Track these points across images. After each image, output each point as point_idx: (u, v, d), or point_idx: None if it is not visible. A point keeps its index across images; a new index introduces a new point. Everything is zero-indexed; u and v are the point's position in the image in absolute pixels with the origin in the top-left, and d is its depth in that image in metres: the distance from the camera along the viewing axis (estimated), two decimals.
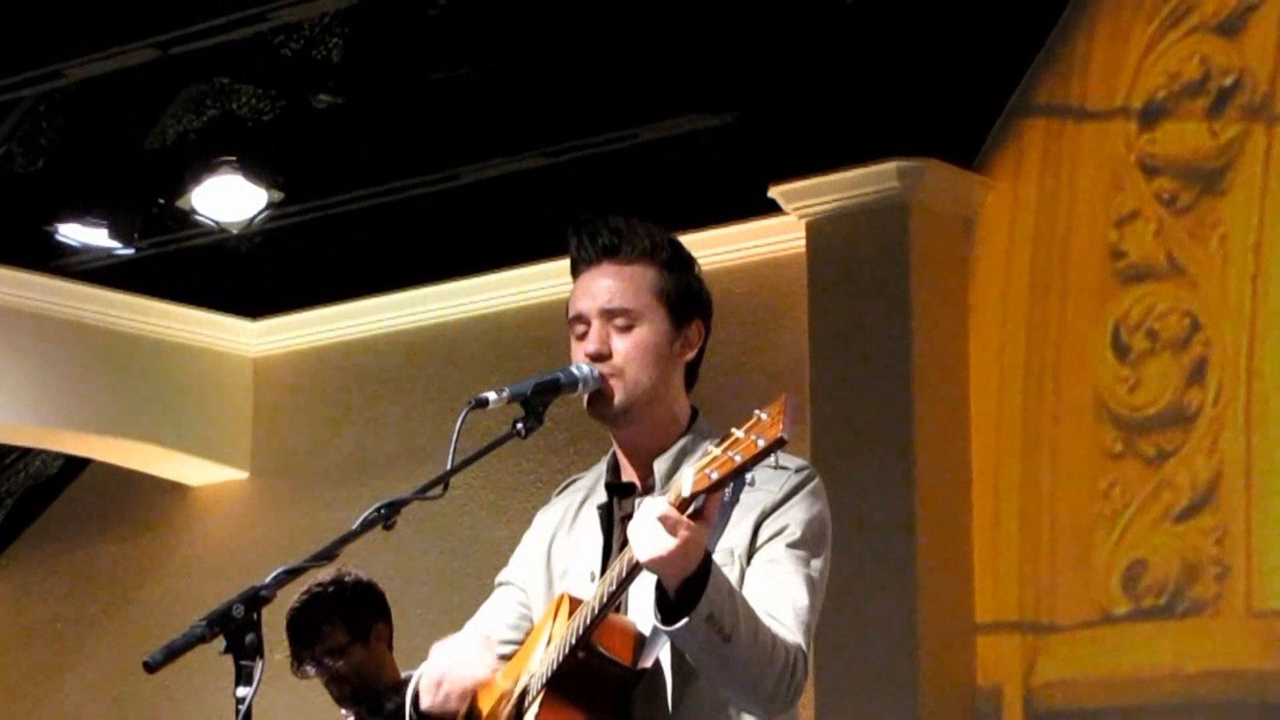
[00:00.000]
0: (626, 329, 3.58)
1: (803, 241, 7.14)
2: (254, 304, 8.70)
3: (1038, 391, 6.97)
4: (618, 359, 3.58)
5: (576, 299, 3.64)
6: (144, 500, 9.09)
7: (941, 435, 7.04)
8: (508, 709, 3.54)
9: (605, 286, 3.61)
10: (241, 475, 8.84)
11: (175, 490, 9.02)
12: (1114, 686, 6.73)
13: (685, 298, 3.63)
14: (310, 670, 5.62)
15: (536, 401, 3.52)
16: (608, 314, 3.59)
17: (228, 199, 7.53)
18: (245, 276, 8.50)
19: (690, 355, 3.65)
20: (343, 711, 5.73)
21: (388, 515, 3.43)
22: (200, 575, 8.77)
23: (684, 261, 3.68)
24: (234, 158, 7.40)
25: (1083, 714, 6.80)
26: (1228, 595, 6.53)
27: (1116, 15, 6.97)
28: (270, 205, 7.62)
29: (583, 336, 3.61)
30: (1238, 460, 6.56)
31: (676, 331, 3.61)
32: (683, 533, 3.16)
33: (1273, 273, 6.58)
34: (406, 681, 5.43)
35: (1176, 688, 6.63)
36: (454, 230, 7.98)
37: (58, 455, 9.13)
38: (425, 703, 3.62)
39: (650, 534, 3.19)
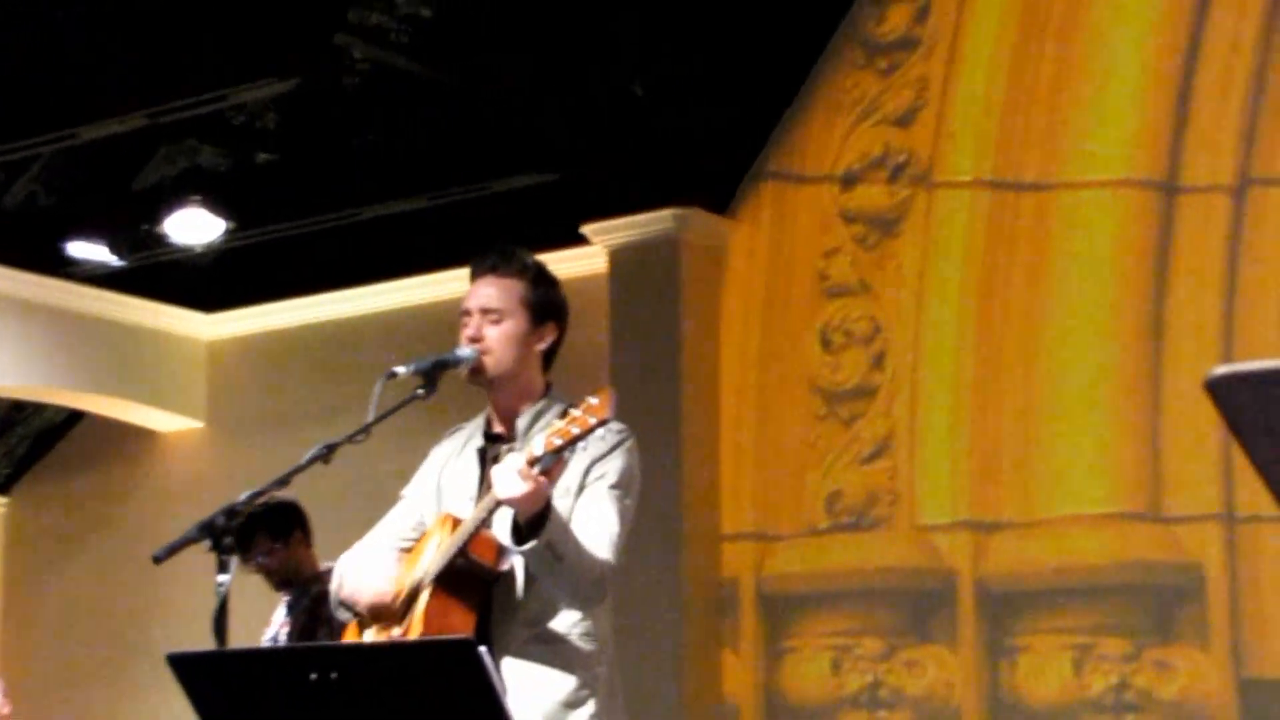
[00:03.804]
0: (496, 322, 3.62)
1: (605, 265, 7.18)
2: (209, 301, 8.68)
3: (768, 373, 6.98)
4: (488, 343, 3.61)
5: (467, 298, 3.68)
6: (124, 443, 9.02)
7: (701, 402, 7.04)
8: (404, 597, 3.53)
9: (486, 292, 3.65)
10: (199, 424, 8.82)
11: (148, 435, 8.97)
12: (818, 578, 6.74)
13: (543, 305, 3.67)
14: (250, 566, 5.65)
15: (433, 374, 3.55)
16: (484, 311, 3.63)
17: (193, 226, 7.49)
18: (203, 281, 8.45)
19: (543, 346, 3.67)
20: (281, 595, 5.80)
21: (327, 453, 3.46)
22: (164, 500, 8.67)
23: (547, 281, 3.71)
24: (199, 196, 7.37)
25: (797, 597, 6.77)
26: (897, 516, 6.61)
27: (827, 109, 6.94)
28: (225, 231, 7.57)
29: (467, 325, 3.65)
30: (905, 421, 6.63)
31: (534, 328, 3.65)
32: (532, 483, 3.22)
33: (930, 291, 6.64)
34: (326, 572, 5.64)
35: (861, 579, 6.65)
36: (357, 251, 7.93)
37: (61, 408, 9.09)
38: (345, 593, 3.63)
39: (510, 481, 3.23)
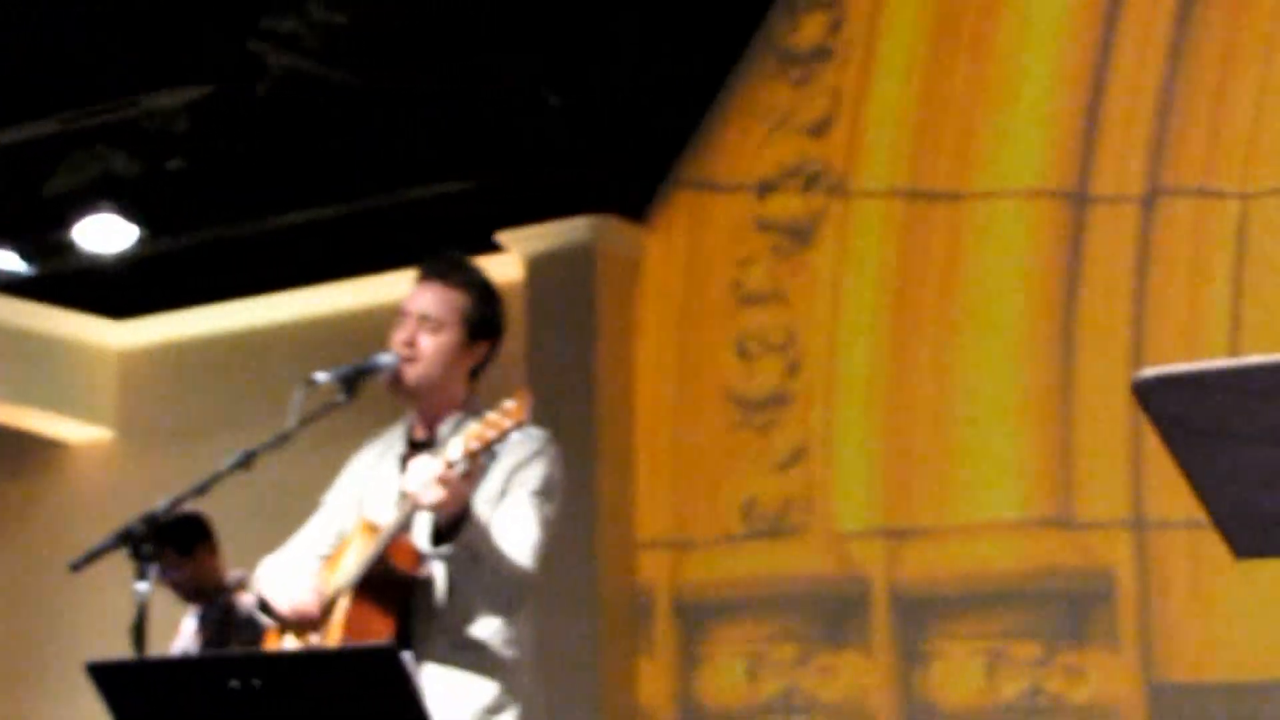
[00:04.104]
0: (432, 331, 3.59)
1: (520, 272, 7.14)
2: (120, 308, 8.56)
3: (683, 381, 6.97)
4: (419, 350, 3.59)
5: (408, 299, 3.65)
6: (31, 453, 8.83)
7: (616, 412, 7.02)
8: (324, 604, 3.51)
9: (427, 298, 3.62)
10: (109, 434, 8.69)
11: (56, 445, 8.81)
12: (733, 585, 6.73)
13: (481, 323, 3.65)
14: (158, 581, 5.52)
15: (353, 381, 3.56)
16: (422, 317, 3.61)
17: (104, 233, 7.40)
18: (114, 289, 8.32)
19: (473, 363, 3.66)
20: (190, 606, 5.75)
21: (247, 460, 3.49)
22: (73, 510, 8.53)
23: (491, 299, 3.69)
24: (110, 203, 7.29)
25: (712, 605, 6.77)
26: (812, 523, 6.60)
27: (742, 118, 6.93)
28: (136, 238, 7.47)
29: (402, 326, 3.62)
30: (820, 429, 6.63)
31: (468, 344, 3.63)
32: (450, 488, 3.24)
33: (844, 300, 6.63)
34: (236, 581, 5.64)
35: (776, 586, 6.65)
36: (270, 259, 7.83)
37: None
38: (265, 598, 3.63)
39: (427, 485, 3.24)
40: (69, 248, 7.60)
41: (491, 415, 3.25)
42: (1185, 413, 1.96)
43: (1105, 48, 6.32)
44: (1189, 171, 6.12)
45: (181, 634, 5.75)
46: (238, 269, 8.00)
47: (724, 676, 6.75)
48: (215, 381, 8.36)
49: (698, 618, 6.83)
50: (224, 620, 5.61)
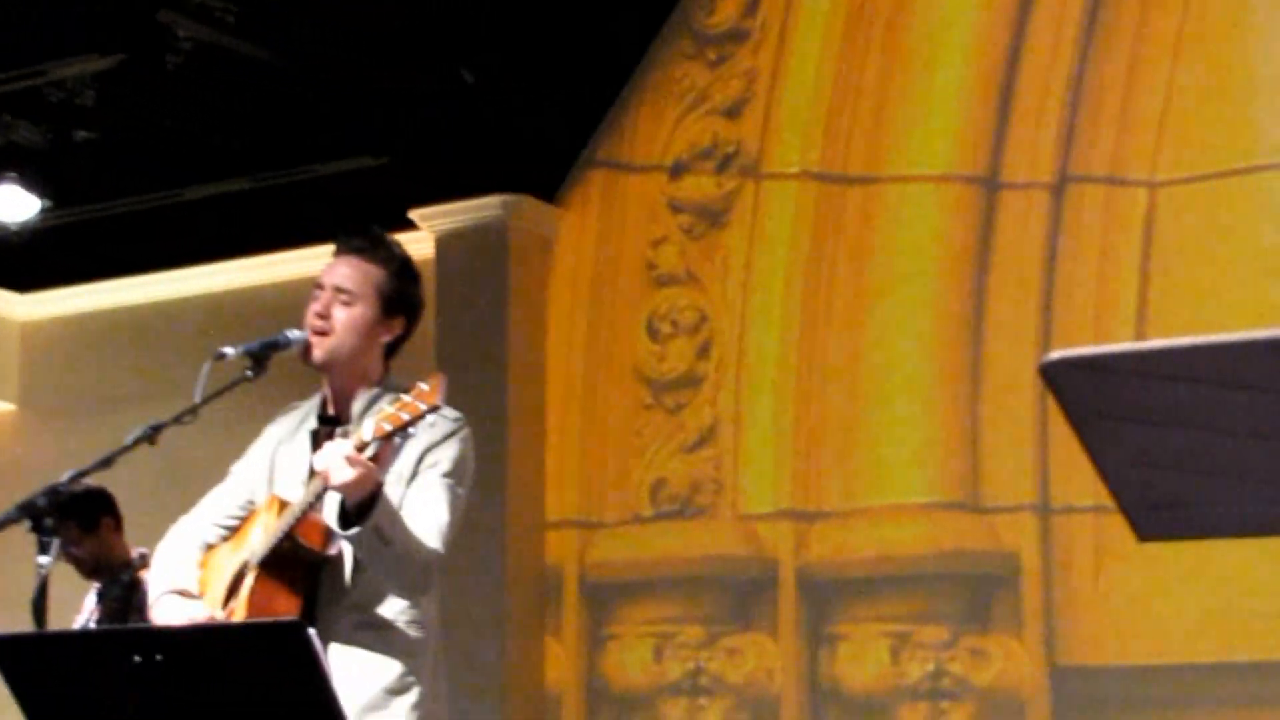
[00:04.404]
0: (346, 304, 3.56)
1: (432, 251, 7.05)
2: (24, 280, 8.50)
3: (595, 361, 6.98)
4: (332, 323, 3.56)
5: (324, 272, 3.62)
6: None
7: (527, 392, 7.00)
8: (228, 580, 3.51)
9: (343, 271, 3.59)
10: (11, 407, 8.60)
11: None
12: (641, 566, 6.75)
13: (397, 298, 3.62)
14: (59, 556, 5.39)
15: (262, 356, 3.52)
16: (338, 289, 3.58)
17: (8, 204, 7.31)
18: (18, 260, 8.20)
19: (389, 339, 3.62)
20: (91, 582, 5.71)
21: (153, 434, 3.44)
22: None
23: (408, 274, 3.67)
24: (14, 174, 7.21)
25: (620, 585, 6.79)
26: (720, 503, 6.63)
27: (655, 98, 6.95)
28: (41, 210, 7.40)
29: (317, 298, 3.59)
30: (729, 411, 6.66)
31: (382, 319, 3.59)
32: (361, 469, 3.20)
33: (756, 282, 6.68)
34: (139, 557, 5.57)
35: (684, 567, 6.67)
36: (178, 232, 7.77)
37: None
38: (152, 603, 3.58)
39: (338, 466, 3.20)
40: None
41: (406, 397, 3.21)
42: (1091, 395, 1.96)
43: (1018, 36, 6.37)
44: (1098, 159, 6.18)
45: (83, 609, 5.70)
46: (145, 242, 7.91)
47: (630, 657, 6.76)
48: (120, 355, 8.26)
49: (605, 598, 6.84)
50: (126, 597, 5.57)
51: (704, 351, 6.78)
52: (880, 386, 6.41)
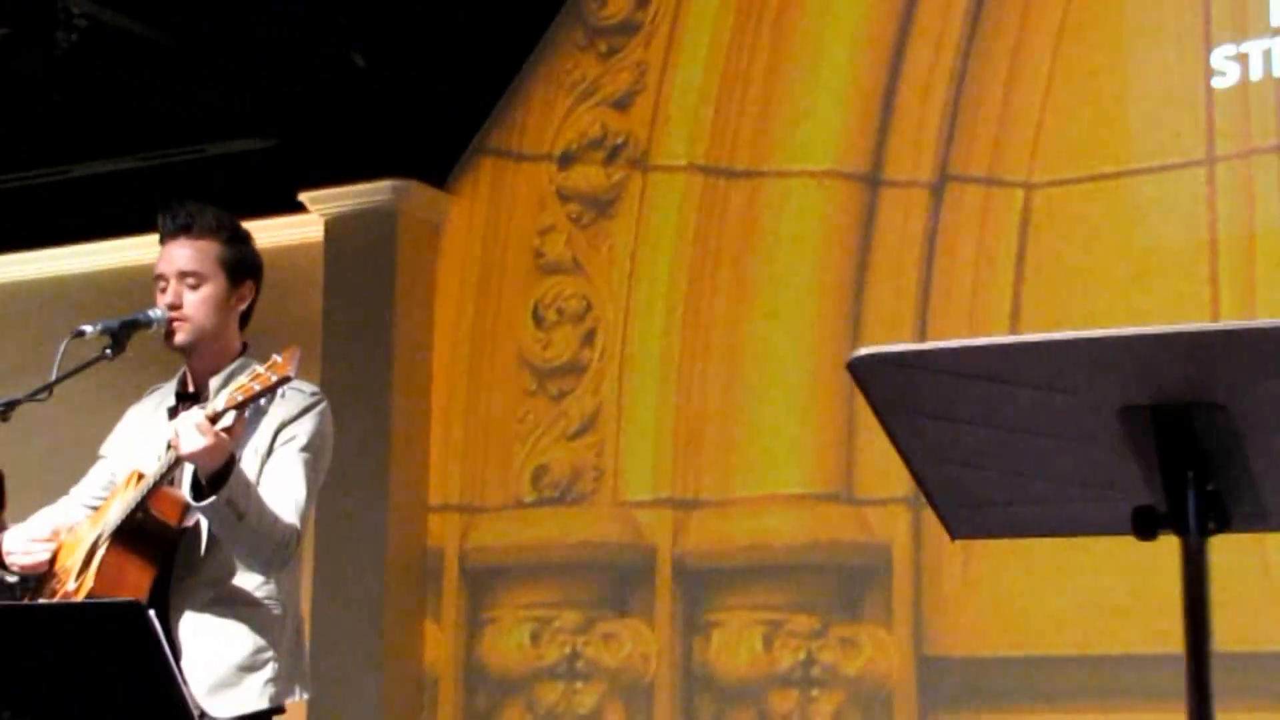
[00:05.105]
0: (195, 287, 3.55)
1: (321, 233, 7.08)
2: None
3: (481, 347, 6.97)
4: (187, 309, 3.54)
5: (160, 263, 3.60)
6: None
7: (412, 376, 6.97)
8: (84, 553, 3.50)
9: (181, 255, 3.57)
10: None
11: None
12: (521, 551, 6.76)
13: (240, 264, 3.62)
14: None
15: (121, 334, 3.51)
16: (181, 275, 3.56)
17: None
18: None
19: (243, 306, 3.63)
20: None
21: (6, 410, 3.40)
22: None
23: (241, 237, 3.65)
24: None
25: (499, 569, 6.78)
26: (601, 490, 6.65)
27: (546, 88, 6.96)
28: None
29: (164, 290, 3.56)
30: (612, 399, 6.68)
31: (233, 289, 3.59)
32: (212, 438, 3.20)
33: (642, 273, 6.70)
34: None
35: (563, 553, 6.69)
36: (63, 210, 7.73)
37: None
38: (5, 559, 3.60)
39: (190, 436, 3.20)
40: None
41: (259, 369, 3.23)
42: (900, 392, 2.01)
43: (902, 35, 6.43)
44: (977, 160, 6.26)
45: None
46: (29, 219, 7.86)
47: (508, 641, 6.79)
48: (4, 332, 8.16)
49: (484, 582, 6.85)
50: None
51: (588, 340, 6.81)
52: (759, 378, 6.45)
